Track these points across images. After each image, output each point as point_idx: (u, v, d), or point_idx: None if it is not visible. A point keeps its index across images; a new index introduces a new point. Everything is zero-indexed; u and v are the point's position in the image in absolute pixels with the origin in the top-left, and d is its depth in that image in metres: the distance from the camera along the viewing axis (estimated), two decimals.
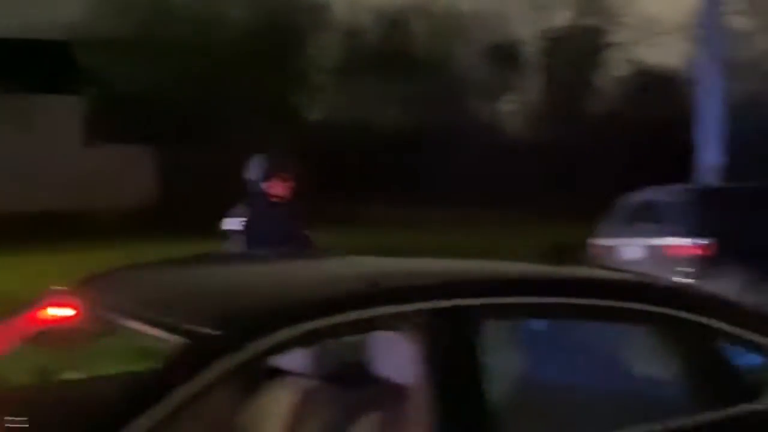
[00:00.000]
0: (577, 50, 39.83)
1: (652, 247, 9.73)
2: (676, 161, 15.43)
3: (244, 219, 5.38)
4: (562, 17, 40.10)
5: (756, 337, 3.00)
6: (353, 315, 2.47)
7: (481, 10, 38.98)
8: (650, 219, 10.08)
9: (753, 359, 3.05)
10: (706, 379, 2.89)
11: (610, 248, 10.56)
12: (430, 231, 20.35)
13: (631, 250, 10.20)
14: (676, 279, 9.20)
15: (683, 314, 2.87)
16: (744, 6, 39.45)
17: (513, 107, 41.15)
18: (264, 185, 5.48)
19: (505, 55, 38.98)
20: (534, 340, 3.13)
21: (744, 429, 2.87)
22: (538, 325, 3.06)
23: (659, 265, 9.41)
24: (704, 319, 2.90)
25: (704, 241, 9.32)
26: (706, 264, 9.29)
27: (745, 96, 38.15)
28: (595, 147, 32.83)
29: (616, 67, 40.82)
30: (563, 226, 20.57)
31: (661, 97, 35.74)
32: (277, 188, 5.50)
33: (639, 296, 2.91)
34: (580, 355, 3.02)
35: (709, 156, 12.98)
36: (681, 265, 9.34)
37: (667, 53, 51.67)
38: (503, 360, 2.84)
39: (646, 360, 3.06)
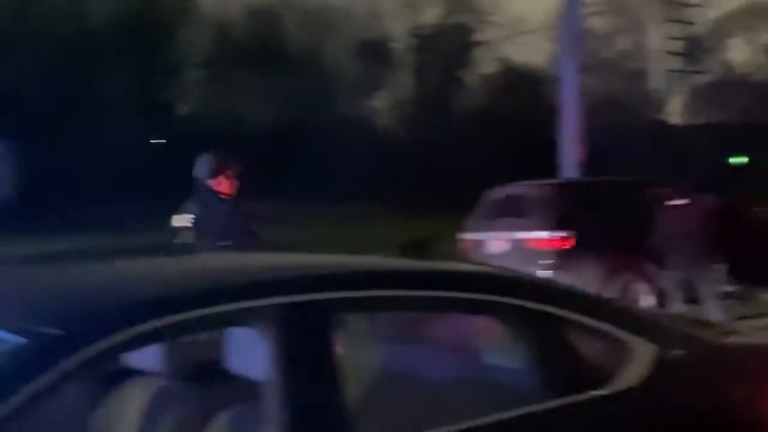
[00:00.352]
0: (445, 48, 40.47)
1: (516, 241, 9.98)
2: (542, 157, 15.86)
3: (193, 216, 5.47)
4: (431, 15, 40.67)
5: (605, 327, 3.10)
6: (204, 311, 2.43)
7: (352, 6, 39.10)
8: (513, 213, 10.33)
9: (600, 347, 3.15)
10: (555, 367, 2.97)
11: (476, 242, 10.77)
12: (298, 226, 20.33)
13: (496, 243, 10.42)
14: (538, 271, 9.50)
15: (530, 304, 2.94)
16: (603, 7, 40.99)
17: (384, 104, 41.48)
18: (211, 182, 5.60)
19: (375, 52, 39.24)
20: (388, 332, 3.15)
21: (591, 414, 2.95)
22: (393, 317, 3.08)
23: (523, 258, 9.66)
24: (551, 309, 2.98)
25: (563, 234, 9.62)
26: (565, 256, 9.60)
27: (606, 94, 39.64)
28: (463, 143, 33.47)
29: (484, 65, 41.73)
30: (429, 221, 20.92)
31: (528, 94, 36.72)
32: (224, 185, 5.65)
33: (487, 287, 2.96)
34: (433, 346, 3.06)
35: (570, 152, 13.40)
36: (542, 258, 9.61)
37: (532, 52, 53.06)
38: (359, 353, 2.85)
39: (497, 350, 3.12)
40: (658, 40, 40.90)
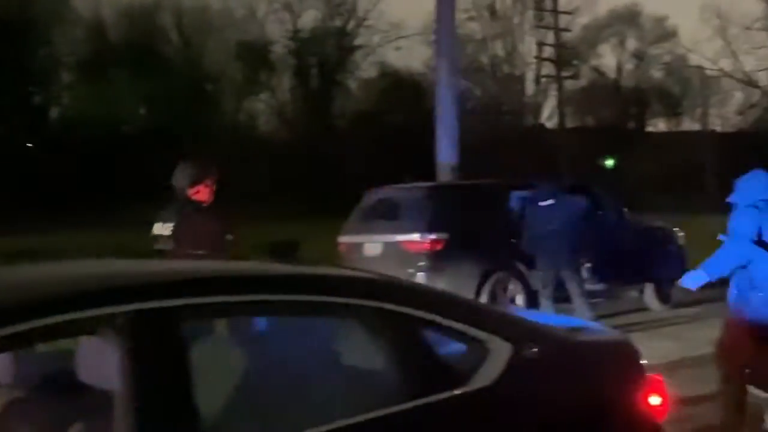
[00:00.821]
0: (325, 52, 40.50)
1: (391, 243, 10.05)
2: (421, 160, 16.03)
3: (171, 224, 5.50)
4: (310, 18, 40.64)
5: (462, 327, 3.15)
6: (47, 320, 2.36)
7: (230, 8, 38.67)
8: (388, 216, 10.40)
9: (459, 347, 3.21)
10: (414, 368, 3.00)
11: (353, 245, 10.80)
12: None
13: (372, 246, 10.47)
14: (412, 273, 9.59)
15: (388, 306, 2.97)
16: (479, 13, 41.83)
17: (264, 106, 41.19)
18: (190, 191, 5.59)
19: (254, 55, 38.93)
20: (246, 337, 3.12)
21: (449, 413, 3.00)
22: (250, 322, 3.06)
23: (398, 260, 9.73)
24: (408, 310, 3.01)
25: (436, 236, 9.74)
26: (438, 257, 9.71)
27: (484, 98, 40.41)
28: (344, 146, 33.58)
29: (364, 69, 41.97)
30: (308, 223, 20.89)
31: (407, 98, 37.09)
32: (202, 194, 5.64)
33: (344, 290, 2.97)
34: (291, 350, 3.05)
35: (446, 155, 13.58)
36: (416, 260, 9.71)
37: (411, 56, 53.58)
38: (214, 359, 2.81)
39: (356, 352, 3.14)
40: (532, 46, 42.03)
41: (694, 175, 40.45)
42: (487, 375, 3.09)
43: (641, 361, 3.67)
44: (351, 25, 40.80)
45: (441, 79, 13.97)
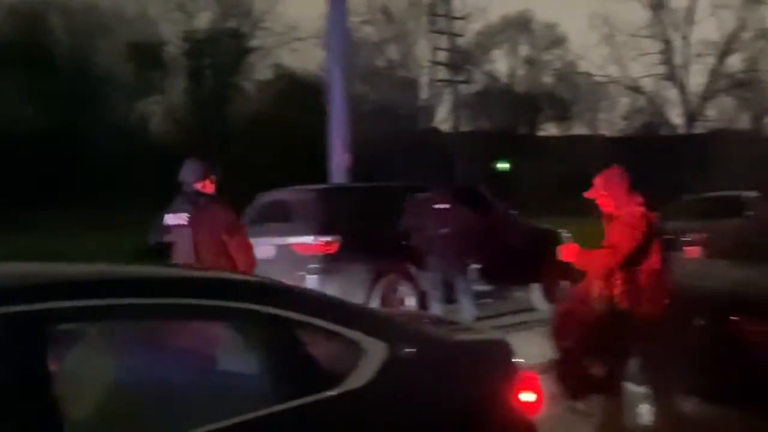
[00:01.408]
0: (220, 53, 40.05)
1: (283, 246, 10.00)
2: (317, 162, 15.99)
3: (186, 214, 5.96)
4: (204, 19, 40.10)
5: (336, 328, 3.17)
6: None
7: (122, 8, 37.85)
8: (280, 218, 10.36)
9: (333, 348, 3.22)
10: (286, 370, 3.00)
11: None
12: (53, 233, 19.48)
13: (264, 249, 10.37)
14: (304, 276, 9.58)
15: (260, 308, 2.96)
16: (373, 16, 42.05)
17: (157, 108, 40.44)
18: (198, 185, 6.09)
19: (147, 56, 38.20)
20: (115, 342, 3.07)
21: (323, 415, 3.01)
22: (120, 326, 3.00)
23: (289, 264, 9.69)
24: (281, 312, 3.01)
25: (328, 239, 9.74)
26: (330, 260, 9.72)
27: (379, 101, 40.61)
28: (239, 149, 33.24)
29: (259, 71, 41.67)
30: None
31: (303, 101, 36.90)
32: (208, 188, 6.15)
33: (215, 292, 2.95)
34: (161, 354, 3.01)
35: (339, 157, 13.61)
36: (308, 263, 9.69)
37: (306, 58, 53.35)
38: (81, 364, 2.76)
39: (227, 354, 3.12)
40: (427, 50, 42.50)
41: (584, 178, 41.43)
42: (361, 376, 3.11)
43: (515, 360, 3.75)
44: (246, 26, 40.47)
45: (333, 81, 13.99)
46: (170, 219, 6.08)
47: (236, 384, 3.04)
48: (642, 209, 5.72)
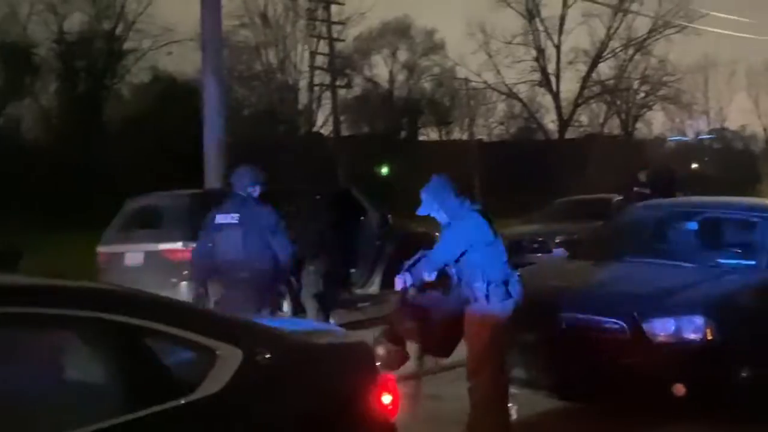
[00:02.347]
0: (93, 55, 38.97)
1: (153, 253, 9.79)
2: (193, 167, 15.70)
3: (238, 214, 6.66)
4: (76, 21, 38.93)
5: (188, 335, 3.10)
6: None
7: None
8: (151, 224, 10.13)
9: (186, 356, 3.15)
10: (136, 379, 2.91)
11: (113, 255, 10.43)
12: None
13: (133, 255, 10.17)
14: (176, 282, 9.38)
15: (107, 316, 2.87)
16: (251, 20, 41.70)
17: (28, 112, 39.01)
18: (250, 190, 6.84)
19: (16, 57, 36.83)
20: None
21: (175, 423, 2.93)
22: None
23: (161, 270, 9.51)
24: (131, 320, 2.92)
25: None
26: None
27: (259, 105, 40.31)
28: (114, 154, 32.40)
29: (135, 74, 40.72)
30: (68, 233, 19.99)
31: (180, 104, 36.22)
32: (256, 192, 6.88)
33: (58, 300, 2.85)
34: (5, 365, 2.87)
35: (213, 162, 13.39)
36: (180, 269, 9.51)
37: (183, 61, 52.52)
38: None
39: (73, 364, 3.01)
40: (306, 54, 42.40)
41: (464, 182, 42.22)
42: (215, 383, 3.05)
43: (375, 362, 3.76)
44: (120, 28, 39.50)
45: (208, 84, 13.77)
46: (221, 218, 6.78)
47: (83, 394, 2.94)
48: (476, 213, 5.83)
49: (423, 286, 5.92)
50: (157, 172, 26.47)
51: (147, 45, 39.53)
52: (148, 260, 9.82)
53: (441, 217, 5.89)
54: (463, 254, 5.70)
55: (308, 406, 3.36)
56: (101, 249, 10.69)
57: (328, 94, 40.75)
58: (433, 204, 5.88)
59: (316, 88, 42.51)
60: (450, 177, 6.07)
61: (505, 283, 5.68)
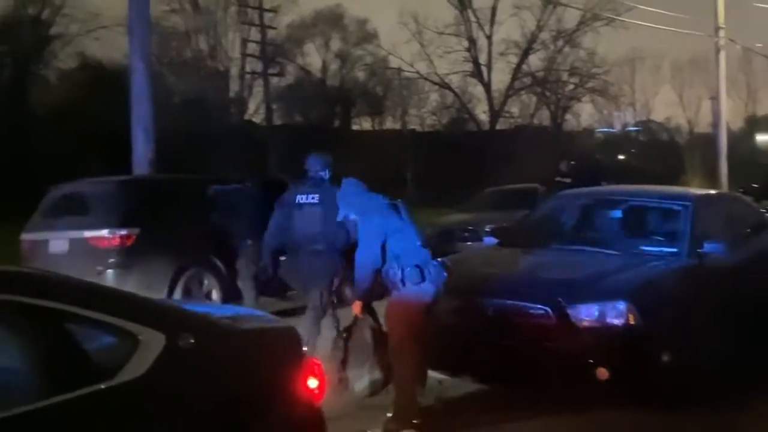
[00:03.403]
0: (18, 40, 38.01)
1: (78, 240, 9.62)
2: (121, 154, 15.43)
3: (316, 195, 7.43)
4: (1, 5, 37.89)
5: (109, 319, 3.06)
6: None
7: None
8: (76, 211, 9.95)
9: (107, 340, 3.11)
10: (54, 363, 2.86)
11: (37, 242, 10.21)
12: None
13: (58, 243, 9.97)
14: (101, 270, 9.24)
15: (23, 299, 2.81)
16: (181, 6, 41.13)
17: None
18: (322, 174, 7.59)
19: None
20: None
21: (94, 408, 2.90)
22: None
23: (86, 258, 9.35)
24: (48, 303, 2.87)
25: (125, 232, 9.45)
26: (128, 254, 9.43)
27: (190, 93, 39.81)
28: (40, 140, 31.72)
29: (62, 59, 39.84)
30: None
31: (108, 90, 35.53)
32: (328, 175, 7.63)
33: None
34: None
35: (141, 148, 13.19)
36: (105, 257, 9.37)
37: (112, 47, 51.57)
38: None
39: None
40: (237, 41, 41.99)
41: (396, 172, 42.36)
42: (136, 367, 3.03)
43: (301, 347, 3.76)
44: (46, 13, 38.55)
45: (136, 71, 13.54)
46: (301, 198, 7.57)
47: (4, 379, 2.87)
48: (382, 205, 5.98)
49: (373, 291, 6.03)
50: (85, 158, 26.00)
51: (74, 30, 38.71)
52: (73, 248, 9.63)
53: (356, 217, 6.01)
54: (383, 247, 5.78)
55: (233, 390, 3.35)
56: (25, 236, 10.46)
57: (260, 82, 40.42)
58: (346, 207, 6.10)
59: (248, 76, 42.14)
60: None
61: (420, 266, 5.75)
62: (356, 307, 6.06)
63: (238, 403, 3.34)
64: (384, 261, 5.82)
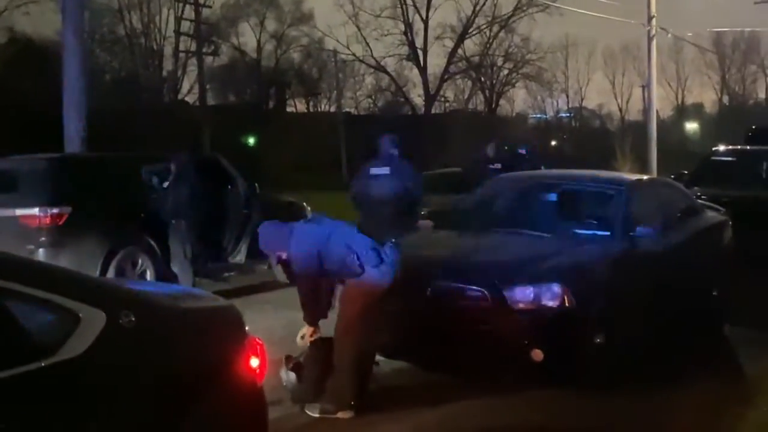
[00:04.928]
0: None
1: (7, 218, 9.38)
2: (52, 132, 15.11)
3: (388, 168, 8.85)
4: None
5: (48, 296, 3.01)
6: None
7: None
8: (5, 189, 9.69)
9: (47, 317, 3.05)
10: None
11: None
12: None
13: None
14: (31, 249, 9.05)
15: None
16: None
17: None
18: (393, 151, 9.00)
19: None
20: None
21: (33, 387, 2.85)
22: None
23: (16, 237, 9.12)
24: None
25: (57, 210, 9.26)
26: (59, 233, 9.25)
27: (122, 71, 39.12)
28: None
29: None
30: None
31: (38, 67, 34.76)
32: (397, 152, 9.03)
33: None
34: None
35: (73, 126, 12.93)
36: (36, 236, 9.18)
37: (43, 23, 50.37)
38: None
39: None
40: (171, 19, 41.36)
41: (331, 154, 42.29)
42: (76, 345, 2.98)
43: (243, 326, 3.74)
44: None
45: (68, 47, 13.25)
46: (375, 170, 8.90)
47: None
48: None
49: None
50: (15, 135, 25.40)
51: (2, 4, 37.70)
52: (3, 226, 9.38)
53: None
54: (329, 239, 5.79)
55: (174, 369, 3.33)
56: None
57: (193, 61, 39.90)
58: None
59: (182, 55, 41.59)
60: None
61: (376, 249, 5.76)
62: (309, 332, 6.00)
63: (179, 381, 3.32)
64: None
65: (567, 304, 6.22)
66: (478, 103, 52.90)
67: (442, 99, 50.95)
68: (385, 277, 5.77)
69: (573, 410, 6.00)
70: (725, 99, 65.82)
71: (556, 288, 6.23)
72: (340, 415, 5.78)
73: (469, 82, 51.65)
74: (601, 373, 6.36)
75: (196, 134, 32.93)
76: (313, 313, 5.98)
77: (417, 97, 50.35)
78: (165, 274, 9.86)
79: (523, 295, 6.25)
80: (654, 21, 26.59)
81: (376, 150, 9.10)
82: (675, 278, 7.72)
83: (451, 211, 8.80)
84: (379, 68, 49.26)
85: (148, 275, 10.04)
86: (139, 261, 10.00)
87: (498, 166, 12.46)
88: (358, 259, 5.72)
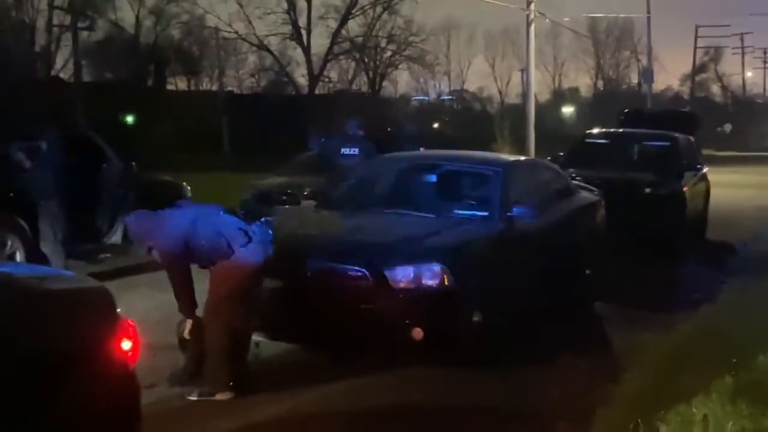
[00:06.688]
0: None
1: None
2: None
3: (357, 148, 10.69)
4: None
5: None
6: None
7: None
8: None
9: None
10: None
11: None
12: None
13: None
14: None
15: None
16: None
17: None
18: (358, 132, 11.15)
19: None
20: None
21: None
22: None
23: None
24: None
25: None
26: None
27: None
28: None
29: None
30: None
31: None
32: (361, 132, 11.11)
33: None
34: None
35: None
36: None
37: None
38: None
39: None
40: None
41: (212, 134, 41.60)
42: None
43: (114, 308, 3.63)
44: None
45: None
46: (345, 150, 10.72)
47: None
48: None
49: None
50: None
51: None
52: None
53: None
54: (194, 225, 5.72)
55: (41, 351, 3.19)
56: None
57: (68, 36, 38.44)
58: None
59: (55, 29, 40.06)
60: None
61: (243, 228, 5.71)
62: (189, 326, 5.90)
63: (45, 365, 3.19)
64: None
65: (446, 284, 6.29)
66: (362, 84, 52.96)
67: (326, 79, 50.76)
68: (254, 255, 5.72)
69: (452, 388, 6.09)
70: (600, 83, 67.86)
71: (436, 268, 6.30)
72: (218, 396, 5.70)
73: (353, 63, 51.63)
74: (479, 350, 6.47)
75: (70, 111, 31.86)
76: (189, 303, 5.87)
77: (300, 77, 50.02)
78: (36, 256, 9.52)
79: (403, 274, 6.29)
80: (533, 6, 27.08)
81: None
82: (550, 257, 7.91)
83: (333, 191, 8.78)
84: (262, 47, 48.63)
85: (18, 257, 9.68)
86: (8, 242, 9.62)
87: (354, 151, 11.46)
88: (226, 240, 5.65)
